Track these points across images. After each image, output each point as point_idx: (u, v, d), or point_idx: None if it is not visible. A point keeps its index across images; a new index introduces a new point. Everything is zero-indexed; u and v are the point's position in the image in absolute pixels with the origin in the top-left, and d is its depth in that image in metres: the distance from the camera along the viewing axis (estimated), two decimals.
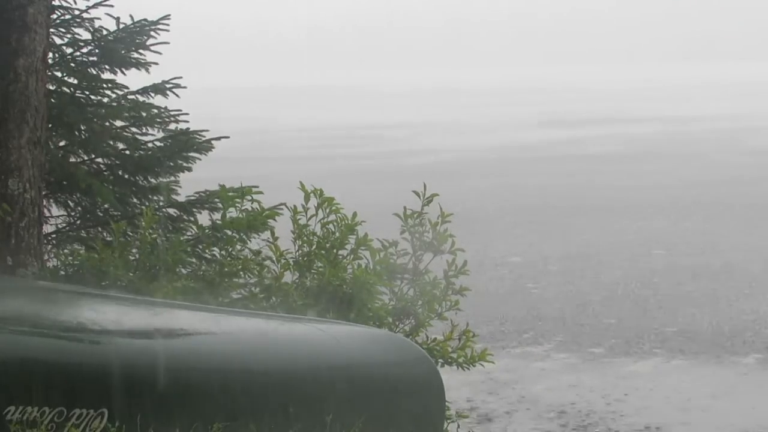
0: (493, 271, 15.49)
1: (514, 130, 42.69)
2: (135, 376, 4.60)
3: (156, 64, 7.57)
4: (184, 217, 7.25)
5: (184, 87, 7.63)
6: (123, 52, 7.44)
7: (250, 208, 6.62)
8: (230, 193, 6.62)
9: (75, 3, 7.42)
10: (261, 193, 6.69)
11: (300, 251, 6.55)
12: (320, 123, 48.28)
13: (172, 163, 7.36)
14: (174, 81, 7.55)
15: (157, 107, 7.49)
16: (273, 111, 58.98)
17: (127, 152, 7.40)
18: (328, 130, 44.21)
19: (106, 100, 7.45)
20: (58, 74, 7.37)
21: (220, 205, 6.82)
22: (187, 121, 7.49)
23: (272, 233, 6.59)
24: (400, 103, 64.00)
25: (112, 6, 7.51)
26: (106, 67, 7.49)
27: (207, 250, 6.79)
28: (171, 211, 7.28)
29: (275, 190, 6.95)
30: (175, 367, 4.70)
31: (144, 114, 7.43)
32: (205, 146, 7.39)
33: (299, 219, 6.57)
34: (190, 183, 7.68)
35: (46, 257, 6.76)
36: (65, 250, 6.95)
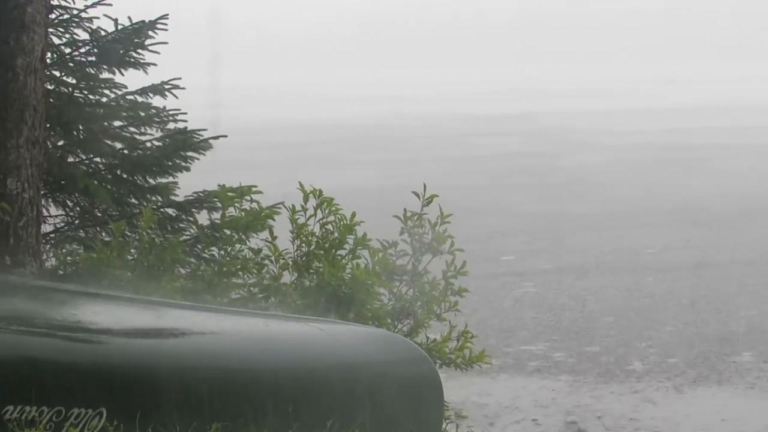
0: None
1: None
2: (133, 376, 4.59)
3: (155, 64, 7.54)
4: (183, 216, 7.23)
5: (183, 88, 7.59)
6: (121, 51, 7.41)
7: (248, 208, 6.61)
8: (230, 193, 6.61)
9: (73, 2, 7.40)
10: (260, 192, 6.68)
11: (299, 251, 6.54)
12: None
13: (170, 163, 7.34)
14: (173, 82, 7.53)
15: (155, 107, 7.46)
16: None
17: (126, 152, 7.38)
18: None
19: (104, 99, 7.43)
20: (57, 74, 7.35)
21: (218, 205, 6.81)
22: (185, 121, 7.46)
23: (271, 233, 6.57)
24: None
25: (110, 5, 7.48)
26: (105, 66, 7.46)
27: (206, 250, 6.78)
28: (170, 210, 7.26)
29: None
30: (174, 367, 4.69)
31: (142, 114, 7.41)
32: (204, 145, 7.37)
33: (297, 219, 6.56)
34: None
35: (44, 257, 6.74)
36: (64, 250, 6.92)
